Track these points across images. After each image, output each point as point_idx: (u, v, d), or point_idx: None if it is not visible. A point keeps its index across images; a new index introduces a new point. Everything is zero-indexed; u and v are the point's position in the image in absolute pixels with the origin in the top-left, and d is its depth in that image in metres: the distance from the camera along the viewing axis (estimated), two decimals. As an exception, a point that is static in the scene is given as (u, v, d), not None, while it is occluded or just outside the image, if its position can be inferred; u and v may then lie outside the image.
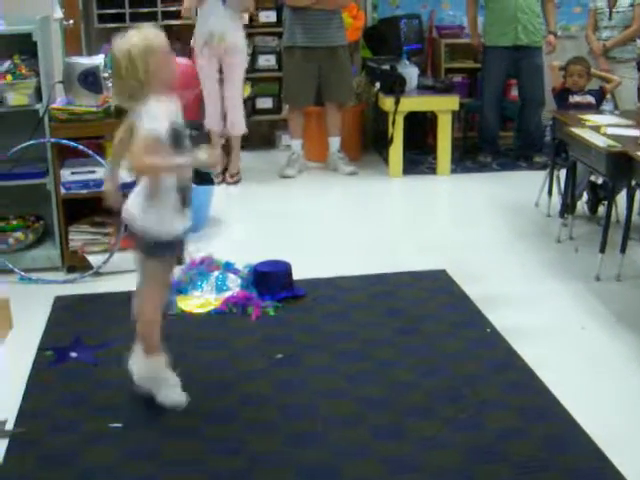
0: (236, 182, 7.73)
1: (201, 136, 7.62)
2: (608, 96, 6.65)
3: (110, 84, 3.55)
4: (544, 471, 3.31)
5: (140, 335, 3.76)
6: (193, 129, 7.62)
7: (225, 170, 7.74)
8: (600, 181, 6.04)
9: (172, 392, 3.76)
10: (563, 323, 4.69)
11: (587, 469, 3.33)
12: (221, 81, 7.60)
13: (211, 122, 7.63)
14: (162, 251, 3.63)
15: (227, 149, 7.80)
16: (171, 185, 3.54)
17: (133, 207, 3.58)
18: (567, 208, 5.99)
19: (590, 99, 6.38)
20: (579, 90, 6.39)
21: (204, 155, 3.52)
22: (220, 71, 7.56)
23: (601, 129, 5.47)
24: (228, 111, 7.65)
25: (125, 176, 3.86)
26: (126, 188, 3.75)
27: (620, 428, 3.63)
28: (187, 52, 7.78)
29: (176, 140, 3.49)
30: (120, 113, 5.29)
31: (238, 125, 7.71)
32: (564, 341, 4.47)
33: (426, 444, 3.50)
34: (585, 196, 6.37)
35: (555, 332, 4.58)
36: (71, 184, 5.36)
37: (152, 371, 3.74)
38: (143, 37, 3.42)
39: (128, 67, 3.38)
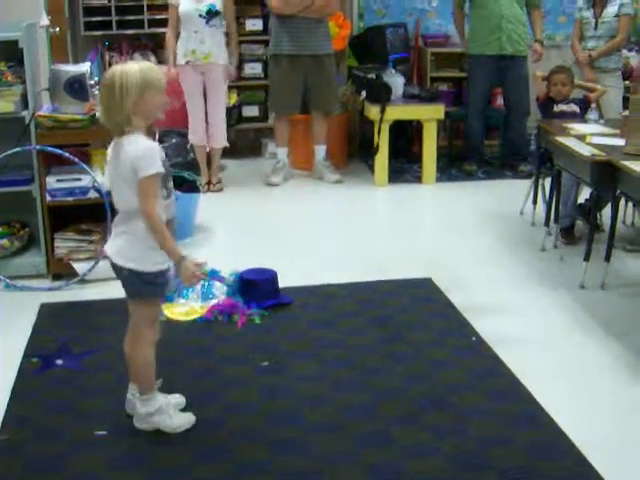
0: (218, 190, 7.75)
1: (181, 146, 7.64)
2: (593, 105, 6.67)
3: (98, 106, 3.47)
4: (528, 477, 3.32)
5: (138, 378, 3.69)
6: (177, 137, 7.66)
7: (209, 182, 7.78)
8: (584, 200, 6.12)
9: (176, 418, 3.71)
10: (548, 331, 4.71)
11: (571, 476, 3.34)
12: (204, 96, 7.64)
13: (195, 138, 7.65)
14: (161, 286, 3.58)
15: (209, 159, 7.84)
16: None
17: (125, 254, 3.51)
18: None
19: (575, 108, 6.40)
20: (563, 99, 6.41)
21: (188, 266, 3.42)
22: (203, 87, 7.60)
23: (586, 138, 5.49)
24: (210, 125, 7.69)
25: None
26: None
27: (604, 435, 3.65)
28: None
29: (164, 178, 3.48)
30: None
31: (220, 139, 7.74)
32: (549, 349, 4.49)
33: (411, 451, 3.50)
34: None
35: (540, 340, 4.59)
36: (57, 191, 5.35)
37: (153, 408, 3.66)
38: (142, 69, 3.38)
39: (120, 94, 3.33)
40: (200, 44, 7.41)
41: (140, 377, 3.68)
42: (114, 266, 3.57)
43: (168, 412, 3.69)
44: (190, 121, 7.65)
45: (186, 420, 3.71)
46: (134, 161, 3.35)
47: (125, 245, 3.51)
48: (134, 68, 3.38)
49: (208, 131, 7.72)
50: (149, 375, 3.67)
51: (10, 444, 3.61)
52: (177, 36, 7.54)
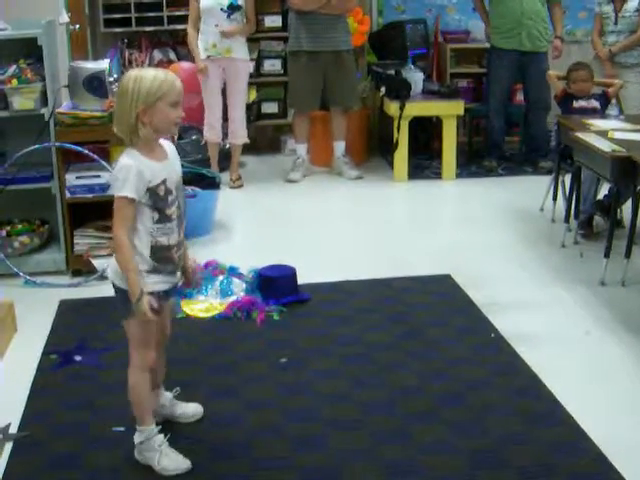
0: (238, 187, 7.74)
1: (201, 142, 7.65)
2: (613, 101, 6.63)
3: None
4: (548, 476, 3.30)
5: (131, 403, 3.45)
6: (197, 134, 7.67)
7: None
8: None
9: (168, 459, 3.41)
10: (567, 328, 4.68)
11: (591, 474, 3.32)
12: (223, 91, 7.64)
13: (211, 134, 7.64)
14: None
15: (229, 156, 7.84)
16: (145, 246, 3.24)
17: (112, 264, 3.32)
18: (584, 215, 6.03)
19: (595, 104, 6.36)
20: (584, 95, 6.37)
21: (143, 304, 3.15)
22: (223, 82, 7.60)
23: (609, 133, 5.45)
24: (231, 121, 7.68)
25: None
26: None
27: (624, 433, 3.62)
28: (192, 57, 7.78)
29: (155, 203, 3.22)
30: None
31: (240, 135, 7.74)
32: (568, 346, 4.47)
33: (430, 449, 3.49)
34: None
35: (559, 337, 4.57)
36: (76, 188, 5.37)
37: (142, 437, 3.44)
38: (158, 77, 3.16)
39: (131, 99, 3.15)
40: (221, 38, 7.41)
41: (132, 404, 3.44)
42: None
43: (160, 449, 3.41)
44: (207, 117, 7.63)
45: (178, 465, 3.40)
46: (110, 179, 3.26)
47: (112, 262, 3.32)
48: (149, 73, 3.18)
49: (228, 127, 7.72)
50: (140, 404, 3.43)
51: (30, 440, 3.62)
52: (198, 31, 7.54)
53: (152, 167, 3.22)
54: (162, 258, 3.28)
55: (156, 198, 3.22)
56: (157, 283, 3.29)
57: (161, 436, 3.45)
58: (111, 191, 3.20)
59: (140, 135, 3.18)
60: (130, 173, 3.14)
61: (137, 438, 3.46)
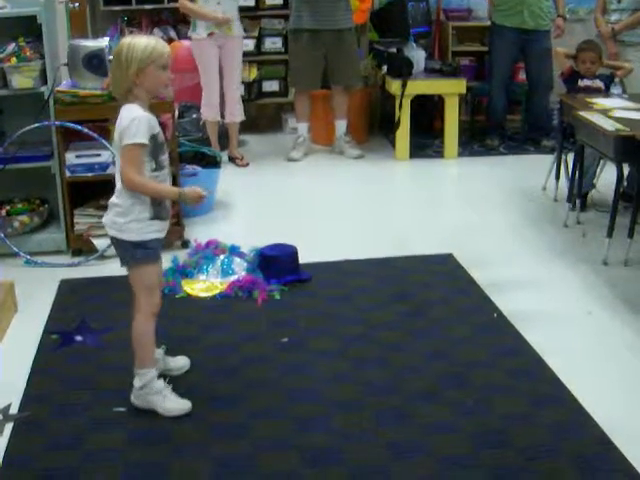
0: (245, 165, 7.71)
1: (196, 122, 7.60)
2: (616, 79, 6.59)
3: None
4: (550, 456, 3.29)
5: (134, 348, 3.65)
6: (198, 112, 7.61)
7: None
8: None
9: (171, 401, 3.65)
10: (570, 308, 4.67)
11: (593, 454, 3.31)
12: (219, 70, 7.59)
13: (209, 111, 7.57)
14: (153, 250, 3.60)
15: (228, 135, 7.80)
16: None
17: (119, 227, 3.55)
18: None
19: (600, 84, 6.32)
20: (591, 76, 6.33)
21: (189, 194, 3.58)
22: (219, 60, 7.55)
23: (609, 112, 5.42)
24: (227, 99, 7.63)
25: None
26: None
27: (626, 413, 3.62)
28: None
29: (154, 151, 3.52)
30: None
31: (238, 113, 7.69)
32: (571, 326, 4.46)
33: (431, 429, 3.48)
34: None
35: (562, 317, 4.56)
36: (76, 167, 5.35)
37: (144, 381, 3.63)
38: (149, 44, 3.47)
39: (125, 62, 3.44)
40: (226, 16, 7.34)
41: (136, 348, 3.64)
42: (110, 237, 3.64)
43: (164, 394, 3.64)
44: (205, 96, 7.54)
45: (180, 406, 3.63)
46: (121, 130, 3.46)
47: (116, 218, 3.55)
48: (142, 41, 3.48)
49: (226, 106, 7.66)
50: (145, 347, 3.64)
51: (30, 420, 3.61)
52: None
53: (153, 117, 3.55)
54: (159, 204, 3.57)
55: (156, 145, 3.53)
56: (158, 231, 3.59)
57: (161, 381, 3.64)
58: (126, 140, 3.43)
59: (135, 94, 3.50)
60: (142, 122, 3.45)
61: (137, 382, 3.64)
